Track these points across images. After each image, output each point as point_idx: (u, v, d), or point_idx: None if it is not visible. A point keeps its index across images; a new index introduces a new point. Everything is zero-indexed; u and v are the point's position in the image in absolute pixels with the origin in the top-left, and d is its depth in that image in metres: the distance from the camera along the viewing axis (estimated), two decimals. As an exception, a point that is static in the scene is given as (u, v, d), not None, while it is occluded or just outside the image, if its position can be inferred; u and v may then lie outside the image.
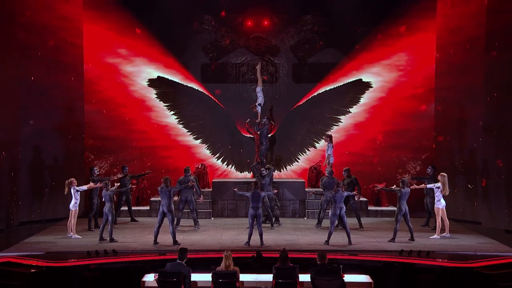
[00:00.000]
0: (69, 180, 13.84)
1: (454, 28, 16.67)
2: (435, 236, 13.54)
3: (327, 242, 12.83)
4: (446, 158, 17.12)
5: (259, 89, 17.37)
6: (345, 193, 13.23)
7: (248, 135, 17.69)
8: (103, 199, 13.35)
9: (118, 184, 14.80)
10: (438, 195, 13.55)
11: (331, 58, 18.21)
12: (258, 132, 16.86)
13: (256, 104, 17.23)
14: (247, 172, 18.12)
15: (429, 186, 13.92)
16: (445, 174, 13.74)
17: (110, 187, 13.40)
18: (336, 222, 13.38)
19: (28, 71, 15.97)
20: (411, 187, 13.56)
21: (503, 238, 13.70)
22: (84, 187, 14.09)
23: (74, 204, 13.66)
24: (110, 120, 17.92)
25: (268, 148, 17.05)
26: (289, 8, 18.15)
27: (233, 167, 18.44)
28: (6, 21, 15.20)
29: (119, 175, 15.49)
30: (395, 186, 14.14)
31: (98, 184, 14.06)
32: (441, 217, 13.62)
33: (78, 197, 13.72)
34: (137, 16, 17.78)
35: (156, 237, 12.88)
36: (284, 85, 18.33)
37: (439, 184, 13.58)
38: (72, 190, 13.65)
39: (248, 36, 18.25)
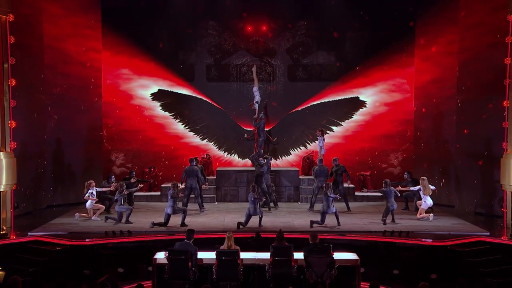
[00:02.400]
0: (88, 182, 13.82)
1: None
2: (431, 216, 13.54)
3: (311, 225, 12.74)
4: (423, 149, 17.23)
5: (255, 88, 17.35)
6: (331, 196, 12.82)
7: (248, 129, 17.76)
8: (116, 198, 13.36)
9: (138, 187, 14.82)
10: (423, 196, 13.59)
11: (322, 60, 18.21)
12: (256, 127, 16.88)
13: (254, 102, 17.22)
14: (248, 159, 18.17)
15: (412, 189, 14.09)
16: (425, 178, 13.83)
17: (124, 191, 13.35)
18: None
19: (52, 71, 16.04)
20: (397, 188, 13.59)
21: (473, 220, 13.83)
22: (102, 189, 14.00)
23: (90, 203, 13.68)
24: (125, 116, 17.95)
25: (265, 140, 17.03)
26: (285, 15, 18.13)
27: (236, 155, 18.48)
28: (33, 24, 15.25)
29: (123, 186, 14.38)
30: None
31: (114, 186, 13.92)
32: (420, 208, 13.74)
33: (95, 197, 13.71)
34: (145, 30, 17.77)
35: (156, 224, 12.65)
36: (280, 83, 18.31)
37: (420, 187, 13.67)
38: (90, 191, 13.64)
39: (248, 40, 18.21)
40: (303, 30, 18.14)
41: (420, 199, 13.92)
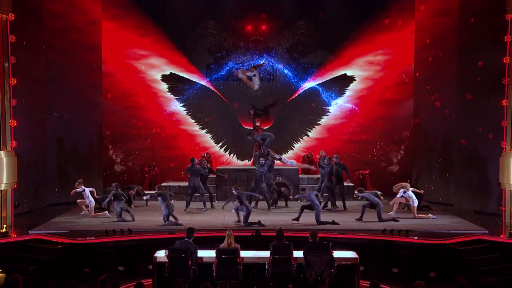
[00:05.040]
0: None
1: (430, 26, 16.82)
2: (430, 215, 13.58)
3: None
4: (423, 149, 17.20)
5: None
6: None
7: (248, 127, 17.72)
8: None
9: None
10: (409, 195, 13.54)
11: (322, 59, 18.22)
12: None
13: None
14: (247, 160, 18.17)
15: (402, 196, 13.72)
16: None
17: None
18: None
19: (53, 70, 16.01)
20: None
21: (472, 218, 13.79)
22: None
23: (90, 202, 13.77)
24: (126, 114, 17.96)
25: (273, 139, 16.43)
26: (285, 14, 18.15)
27: (235, 155, 18.50)
28: (34, 23, 15.20)
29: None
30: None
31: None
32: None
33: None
34: (150, 20, 17.79)
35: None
36: (280, 82, 18.34)
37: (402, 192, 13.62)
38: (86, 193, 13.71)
39: (248, 39, 18.24)
40: (303, 30, 18.14)
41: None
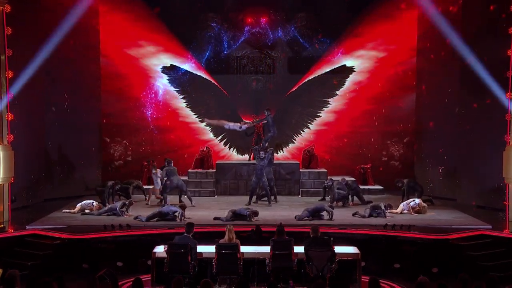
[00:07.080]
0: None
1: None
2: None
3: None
4: (426, 143, 17.17)
5: (227, 126, 17.25)
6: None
7: (248, 121, 17.67)
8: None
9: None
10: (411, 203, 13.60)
11: (322, 51, 18.17)
12: (265, 121, 16.66)
13: (242, 127, 17.13)
14: (247, 155, 18.14)
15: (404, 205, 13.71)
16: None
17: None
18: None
19: (50, 62, 15.88)
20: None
21: (474, 213, 13.76)
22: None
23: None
24: (125, 107, 17.91)
25: (275, 135, 16.46)
26: (285, 7, 18.08)
27: (235, 150, 18.48)
28: (30, 14, 15.13)
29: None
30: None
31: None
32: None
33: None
34: (150, 13, 17.80)
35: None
36: (280, 75, 18.31)
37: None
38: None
39: (248, 31, 18.19)
40: (304, 22, 18.07)
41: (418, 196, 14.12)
